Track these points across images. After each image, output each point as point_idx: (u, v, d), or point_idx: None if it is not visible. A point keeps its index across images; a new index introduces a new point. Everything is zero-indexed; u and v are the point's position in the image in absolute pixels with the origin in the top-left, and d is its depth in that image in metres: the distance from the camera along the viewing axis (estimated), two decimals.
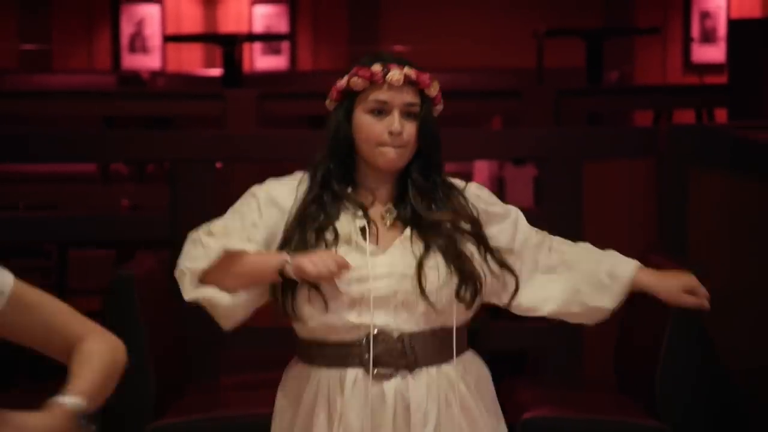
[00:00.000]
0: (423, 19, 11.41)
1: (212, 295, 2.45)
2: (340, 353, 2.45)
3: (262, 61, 11.85)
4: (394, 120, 2.46)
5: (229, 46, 8.10)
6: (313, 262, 2.35)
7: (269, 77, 10.57)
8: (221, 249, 2.42)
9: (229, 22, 11.83)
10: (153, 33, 11.62)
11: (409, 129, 2.48)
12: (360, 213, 2.48)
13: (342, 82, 2.50)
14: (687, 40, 11.59)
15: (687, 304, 2.58)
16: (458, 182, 2.58)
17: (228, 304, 2.45)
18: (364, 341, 2.44)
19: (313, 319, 2.45)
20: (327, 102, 2.54)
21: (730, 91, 6.84)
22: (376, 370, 2.44)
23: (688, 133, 4.88)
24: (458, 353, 2.50)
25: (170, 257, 4.83)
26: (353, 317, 2.43)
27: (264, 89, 6.99)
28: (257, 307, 2.51)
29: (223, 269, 2.43)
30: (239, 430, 4.19)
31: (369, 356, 2.43)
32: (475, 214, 2.53)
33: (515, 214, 2.60)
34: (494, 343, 4.58)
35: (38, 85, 9.07)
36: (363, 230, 2.46)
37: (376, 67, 2.48)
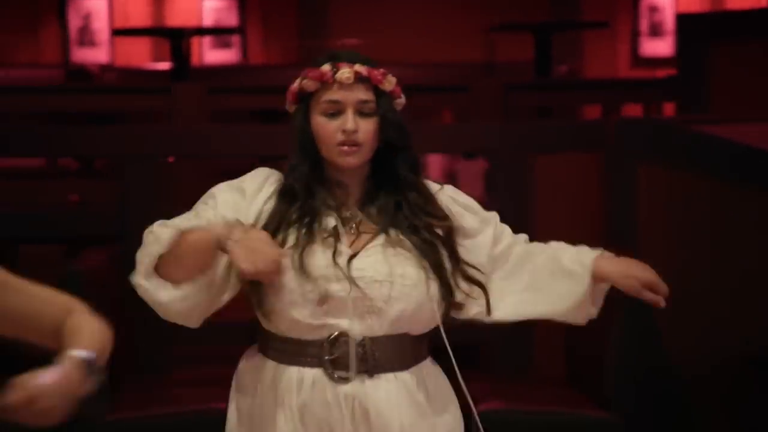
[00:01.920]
0: (373, 13, 11.41)
1: (149, 287, 2.42)
2: (300, 351, 2.43)
3: (212, 54, 11.80)
4: (348, 119, 2.44)
5: (177, 39, 8.05)
6: (251, 260, 2.28)
7: (219, 71, 10.52)
8: (173, 231, 2.37)
9: (179, 16, 11.77)
10: (101, 26, 11.53)
11: (365, 127, 2.45)
12: (332, 213, 2.45)
13: (294, 86, 2.49)
14: (635, 34, 11.67)
15: (646, 299, 2.57)
16: (433, 184, 2.54)
17: (165, 300, 2.41)
18: (325, 342, 2.41)
19: (277, 314, 2.42)
20: (287, 105, 2.52)
21: (677, 85, 6.89)
22: (335, 374, 2.42)
23: (636, 127, 4.92)
24: (418, 361, 2.49)
25: (119, 252, 4.80)
26: (317, 317, 2.41)
27: (214, 83, 6.96)
28: (207, 308, 2.45)
29: (171, 255, 2.38)
30: (191, 425, 4.18)
31: (330, 358, 2.41)
32: (446, 217, 2.49)
33: (494, 223, 2.56)
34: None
35: None
36: (335, 230, 2.44)
37: (326, 67, 2.46)
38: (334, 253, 2.40)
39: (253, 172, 2.51)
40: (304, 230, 2.42)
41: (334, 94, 2.45)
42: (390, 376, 2.44)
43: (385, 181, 2.48)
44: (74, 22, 11.54)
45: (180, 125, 6.26)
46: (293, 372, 2.43)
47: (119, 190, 4.86)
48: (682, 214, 4.79)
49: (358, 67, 2.46)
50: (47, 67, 10.80)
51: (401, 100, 2.53)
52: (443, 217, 2.49)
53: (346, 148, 2.44)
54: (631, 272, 2.59)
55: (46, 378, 1.81)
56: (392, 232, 2.45)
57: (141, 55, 11.58)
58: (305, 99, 2.48)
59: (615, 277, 2.58)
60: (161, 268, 2.42)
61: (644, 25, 11.67)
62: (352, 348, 2.41)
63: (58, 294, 1.97)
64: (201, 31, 10.84)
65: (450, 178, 5.72)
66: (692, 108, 6.59)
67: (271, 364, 2.46)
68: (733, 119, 5.45)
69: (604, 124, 5.09)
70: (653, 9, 11.67)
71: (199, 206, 2.47)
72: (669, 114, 7.98)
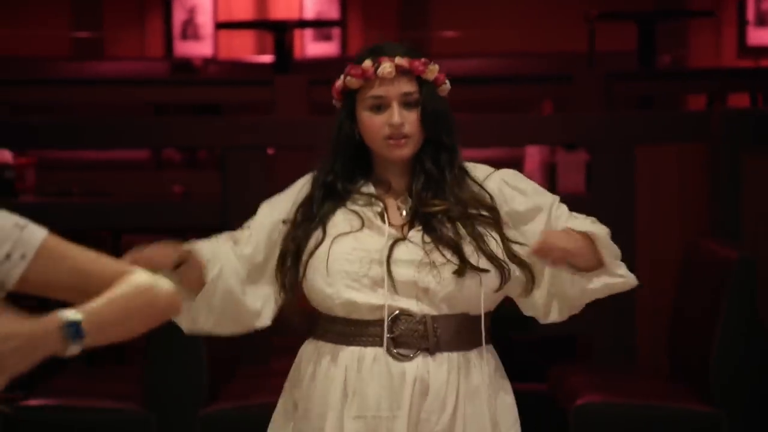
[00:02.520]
0: (473, 4, 11.37)
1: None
2: (360, 331, 2.46)
3: (313, 47, 11.87)
4: (394, 113, 2.46)
5: (280, 32, 8.11)
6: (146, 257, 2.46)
7: (320, 63, 10.58)
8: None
9: (280, 9, 11.85)
10: (205, 20, 11.66)
11: (411, 118, 2.47)
12: (375, 199, 2.49)
13: (339, 83, 2.52)
14: (742, 23, 11.46)
15: (548, 264, 2.46)
16: (483, 168, 2.55)
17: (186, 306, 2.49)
18: (387, 320, 2.44)
19: (333, 298, 2.45)
20: (333, 102, 2.56)
21: None
22: (396, 351, 2.44)
23: (741, 117, 4.84)
24: (478, 343, 2.50)
25: None
26: (375, 298, 2.44)
27: (314, 75, 6.99)
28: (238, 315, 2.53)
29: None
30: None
31: (392, 336, 2.43)
32: (488, 201, 2.49)
33: (548, 208, 2.51)
34: (543, 328, 4.57)
35: (90, 73, 9.13)
36: (381, 215, 2.48)
37: (367, 63, 2.48)
38: (383, 235, 2.44)
39: (289, 187, 2.59)
40: (352, 215, 2.47)
41: (377, 90, 2.48)
42: (452, 355, 2.46)
43: (422, 169, 2.49)
44: (179, 16, 11.68)
45: (282, 117, 6.31)
46: (354, 351, 2.46)
47: (222, 182, 4.91)
48: None
49: (398, 60, 2.48)
50: (152, 60, 10.95)
51: (446, 86, 2.53)
52: (483, 202, 2.49)
53: (392, 141, 2.47)
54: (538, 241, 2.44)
55: (7, 326, 1.76)
56: (428, 218, 2.46)
57: (244, 48, 11.69)
58: (350, 95, 2.51)
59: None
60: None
61: (751, 13, 11.46)
62: (413, 326, 2.44)
63: (115, 261, 1.98)
64: (303, 24, 10.90)
65: (549, 170, 5.68)
66: None
67: (328, 347, 2.49)
68: None
69: (709, 115, 5.02)
70: None
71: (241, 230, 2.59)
72: None
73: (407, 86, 2.48)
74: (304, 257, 2.47)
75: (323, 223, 2.48)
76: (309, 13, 11.96)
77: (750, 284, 4.30)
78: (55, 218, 5.21)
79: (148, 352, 4.39)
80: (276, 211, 2.55)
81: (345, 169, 2.51)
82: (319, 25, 11.75)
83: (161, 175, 7.56)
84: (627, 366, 4.80)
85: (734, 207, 4.71)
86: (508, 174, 2.55)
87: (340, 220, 2.48)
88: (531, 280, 2.49)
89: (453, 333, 2.46)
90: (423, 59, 2.50)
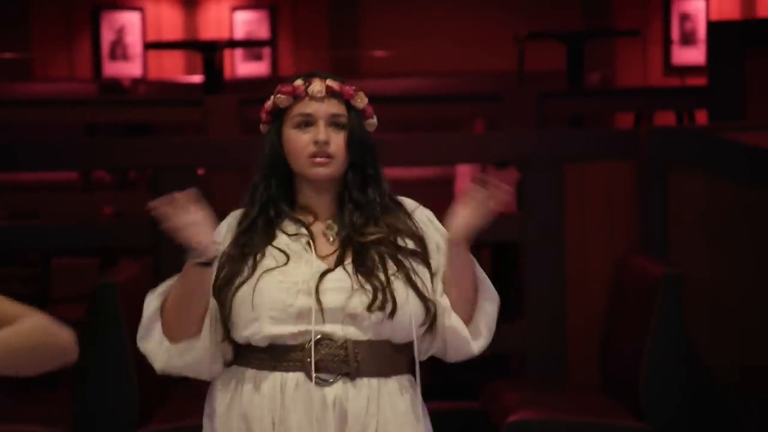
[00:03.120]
0: (403, 23, 11.42)
1: (148, 348, 2.53)
2: (282, 357, 2.44)
3: (243, 67, 11.84)
4: (320, 130, 2.48)
5: (209, 52, 8.09)
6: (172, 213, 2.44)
7: (251, 83, 10.56)
8: (156, 295, 2.49)
9: (210, 29, 11.82)
10: (134, 40, 11.60)
11: (337, 140, 2.48)
12: (303, 230, 2.48)
13: (268, 103, 2.53)
14: (667, 42, 11.63)
15: (488, 212, 2.47)
16: (409, 202, 2.56)
17: (164, 358, 2.51)
18: (306, 345, 2.43)
19: (256, 332, 2.44)
20: (260, 126, 2.56)
21: (710, 93, 6.86)
22: (317, 375, 2.43)
23: (668, 136, 4.90)
24: (400, 372, 2.50)
25: (153, 264, 4.82)
26: (299, 326, 2.43)
27: (245, 95, 6.98)
28: (214, 355, 2.50)
29: (169, 309, 2.48)
30: None
31: (311, 360, 2.42)
32: (419, 233, 2.50)
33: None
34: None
35: (19, 94, 9.05)
36: (309, 245, 2.47)
37: (298, 82, 2.51)
38: (311, 265, 2.44)
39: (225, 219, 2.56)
40: (277, 252, 2.46)
41: (306, 107, 2.49)
42: (372, 381, 2.46)
43: (348, 195, 2.50)
44: (107, 36, 11.61)
45: (213, 137, 6.29)
46: (276, 377, 2.44)
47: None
48: (714, 222, 4.77)
49: (329, 82, 2.51)
50: (81, 81, 10.87)
51: (373, 121, 2.54)
52: (412, 230, 2.50)
53: (318, 159, 2.47)
54: (455, 216, 2.47)
55: None
56: (361, 246, 2.47)
57: (174, 68, 11.64)
58: (278, 116, 2.52)
59: (453, 231, 2.47)
60: (165, 328, 2.49)
61: (676, 33, 11.63)
62: (334, 350, 2.43)
63: (13, 302, 1.95)
64: (233, 44, 10.89)
65: None
66: (725, 116, 6.56)
67: (250, 373, 2.47)
68: (767, 127, 5.42)
69: (637, 133, 5.08)
70: (685, 17, 11.63)
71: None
72: (702, 122, 7.95)
73: (336, 108, 2.49)
74: (230, 293, 2.45)
75: (250, 259, 2.46)
76: (239, 33, 11.94)
77: (677, 299, 4.36)
78: None
79: (78, 375, 4.34)
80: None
81: (278, 190, 2.51)
82: (249, 45, 11.74)
83: (91, 197, 7.51)
84: (559, 382, 4.84)
85: (662, 223, 4.77)
86: (431, 214, 2.56)
87: (266, 256, 2.46)
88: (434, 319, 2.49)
89: (374, 358, 2.46)
90: (353, 87, 2.52)
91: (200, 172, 5.54)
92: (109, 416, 4.28)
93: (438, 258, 2.51)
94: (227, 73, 10.50)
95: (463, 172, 5.63)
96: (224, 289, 2.46)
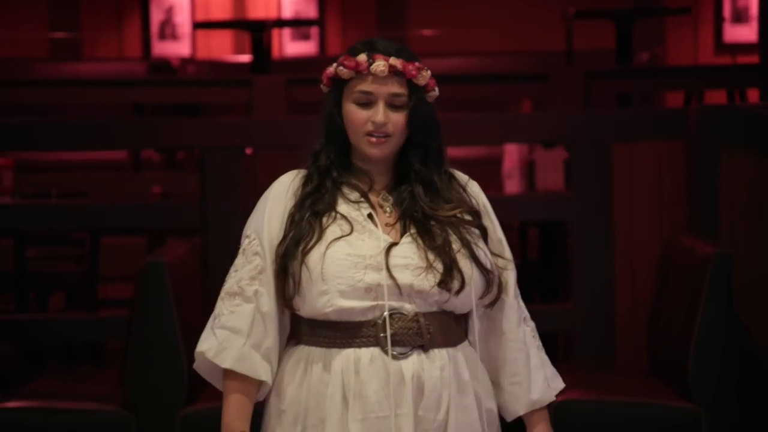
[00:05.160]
0: (451, 4, 11.37)
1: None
2: (353, 333, 2.46)
3: (291, 46, 11.85)
4: (379, 111, 2.47)
5: (257, 32, 8.09)
6: None
7: (298, 63, 10.57)
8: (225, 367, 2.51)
9: (258, 8, 11.83)
10: (183, 20, 11.64)
11: (396, 119, 2.48)
12: (362, 199, 2.50)
13: (330, 70, 2.52)
14: (719, 20, 11.50)
15: None
16: (460, 175, 2.58)
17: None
18: (380, 321, 2.45)
19: (326, 305, 2.45)
20: (321, 86, 2.56)
21: (762, 72, 6.78)
22: (393, 350, 2.44)
23: (718, 114, 4.85)
24: (462, 340, 2.53)
25: (201, 244, 4.85)
26: (369, 301, 2.45)
27: (293, 75, 6.98)
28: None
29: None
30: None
31: (386, 335, 2.44)
32: (476, 207, 2.54)
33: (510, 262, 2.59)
34: None
35: (68, 74, 9.10)
36: (371, 216, 2.49)
37: (362, 58, 2.49)
38: (377, 240, 2.45)
39: (274, 185, 2.54)
40: (341, 219, 2.47)
41: (367, 85, 2.48)
42: (443, 352, 2.48)
43: (413, 171, 2.51)
44: (157, 16, 11.65)
45: (261, 117, 6.30)
46: (349, 353, 2.46)
47: (201, 182, 4.91)
48: (765, 201, 4.72)
49: (393, 61, 2.48)
50: (130, 60, 10.93)
51: (434, 93, 2.54)
52: (470, 204, 2.53)
53: (374, 138, 2.48)
54: None
55: None
56: (424, 220, 2.49)
57: (222, 48, 11.67)
58: (339, 84, 2.51)
59: None
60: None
61: (728, 10, 11.50)
62: (407, 323, 2.45)
63: None
64: (281, 23, 10.89)
65: (527, 168, 5.69)
66: None
67: (319, 352, 2.48)
68: None
69: (686, 112, 5.04)
70: None
71: (242, 263, 2.52)
72: (753, 101, 7.86)
73: (397, 87, 2.49)
74: (298, 259, 2.45)
75: (317, 224, 2.47)
76: (287, 13, 11.94)
77: (727, 280, 4.32)
78: (34, 220, 5.21)
79: (127, 353, 4.38)
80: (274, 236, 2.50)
81: (336, 157, 2.52)
82: (297, 25, 11.74)
83: (140, 176, 7.55)
84: (606, 363, 4.82)
85: (712, 203, 4.73)
86: (480, 188, 2.60)
87: (332, 223, 2.47)
88: (500, 293, 2.54)
89: (442, 329, 2.48)
90: (416, 63, 2.50)
91: (248, 151, 5.55)
92: (157, 394, 4.31)
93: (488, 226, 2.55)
94: (275, 53, 10.51)
95: (511, 152, 5.60)
96: (291, 252, 2.46)
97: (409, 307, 2.46)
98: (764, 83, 6.79)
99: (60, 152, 7.10)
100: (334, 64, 2.51)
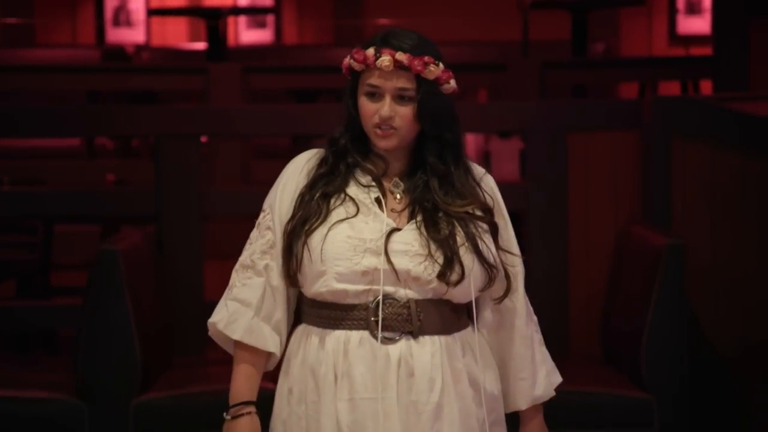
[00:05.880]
0: None
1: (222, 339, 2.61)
2: (345, 315, 2.51)
3: (246, 34, 11.81)
4: (385, 105, 2.50)
5: (213, 19, 8.06)
6: None
7: (254, 51, 10.53)
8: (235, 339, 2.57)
9: None
10: (137, 6, 11.56)
11: (403, 112, 2.51)
12: (373, 183, 2.53)
13: (346, 61, 2.56)
14: (672, 12, 11.58)
15: None
16: (477, 168, 2.61)
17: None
18: (372, 305, 2.49)
19: (323, 285, 2.50)
20: (344, 72, 2.60)
21: (715, 63, 6.84)
22: (381, 334, 2.48)
23: (672, 105, 4.89)
24: (460, 328, 2.55)
25: (155, 232, 4.82)
26: (363, 284, 2.48)
27: (249, 63, 6.95)
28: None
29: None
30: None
31: (377, 319, 2.48)
32: (490, 203, 2.56)
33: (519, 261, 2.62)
34: None
35: (21, 60, 9.02)
36: (378, 201, 2.52)
37: (370, 52, 2.52)
38: (381, 223, 2.48)
39: (291, 162, 2.59)
40: (349, 201, 2.51)
41: (375, 79, 2.52)
42: (435, 338, 2.51)
43: (428, 163, 2.54)
44: (111, 2, 11.57)
45: (216, 105, 6.27)
46: (340, 334, 2.50)
47: (155, 170, 4.88)
48: (717, 192, 4.76)
49: (399, 56, 2.50)
50: (84, 47, 10.85)
51: (449, 85, 2.55)
52: (482, 200, 2.55)
53: (380, 131, 2.51)
54: None
55: None
56: (432, 210, 2.51)
57: (177, 36, 11.61)
58: (355, 75, 2.56)
59: None
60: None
61: (681, 2, 11.57)
62: (397, 309, 2.49)
63: None
64: (236, 11, 10.85)
65: (483, 158, 5.70)
66: (730, 86, 6.54)
67: (316, 331, 2.54)
68: None
69: (641, 103, 5.06)
70: None
71: (256, 236, 2.58)
72: (706, 92, 7.92)
73: (404, 82, 2.51)
74: (301, 239, 2.50)
75: (324, 204, 2.51)
76: (243, 0, 11.89)
77: (680, 271, 4.35)
78: None
79: (80, 341, 4.35)
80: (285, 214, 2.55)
81: (353, 143, 2.55)
82: (253, 12, 11.69)
83: (94, 164, 7.50)
84: (560, 352, 4.84)
85: (665, 194, 4.76)
86: (494, 183, 2.63)
87: (339, 205, 2.51)
88: (509, 288, 2.57)
89: (435, 317, 2.51)
90: (426, 58, 2.51)
91: (203, 139, 5.53)
92: (110, 382, 4.29)
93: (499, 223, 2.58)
94: (231, 41, 10.46)
95: (467, 141, 5.62)
96: (297, 231, 2.51)
97: (402, 293, 2.49)
98: (717, 74, 6.85)
99: (12, 139, 7.03)
100: (348, 56, 2.55)
